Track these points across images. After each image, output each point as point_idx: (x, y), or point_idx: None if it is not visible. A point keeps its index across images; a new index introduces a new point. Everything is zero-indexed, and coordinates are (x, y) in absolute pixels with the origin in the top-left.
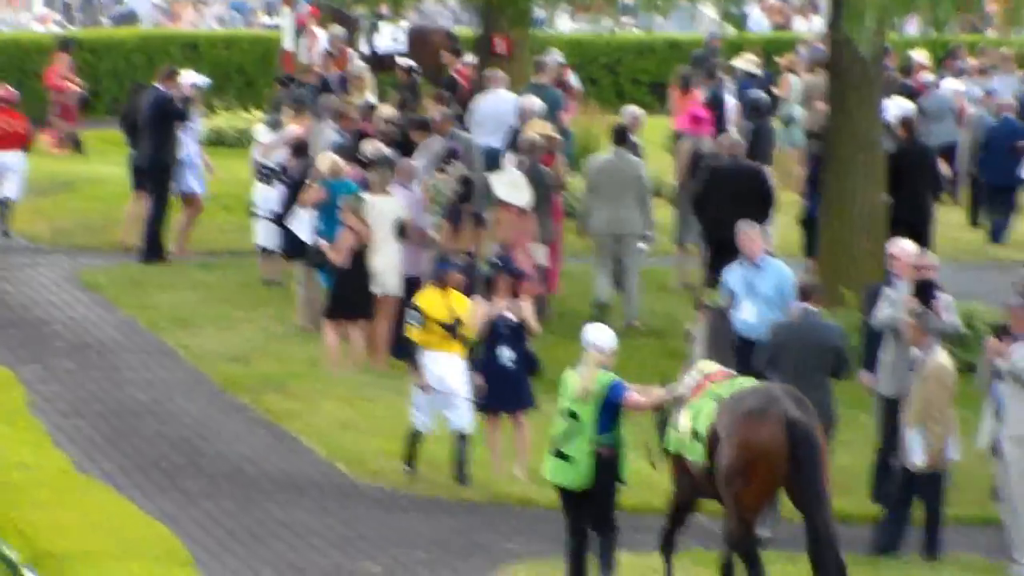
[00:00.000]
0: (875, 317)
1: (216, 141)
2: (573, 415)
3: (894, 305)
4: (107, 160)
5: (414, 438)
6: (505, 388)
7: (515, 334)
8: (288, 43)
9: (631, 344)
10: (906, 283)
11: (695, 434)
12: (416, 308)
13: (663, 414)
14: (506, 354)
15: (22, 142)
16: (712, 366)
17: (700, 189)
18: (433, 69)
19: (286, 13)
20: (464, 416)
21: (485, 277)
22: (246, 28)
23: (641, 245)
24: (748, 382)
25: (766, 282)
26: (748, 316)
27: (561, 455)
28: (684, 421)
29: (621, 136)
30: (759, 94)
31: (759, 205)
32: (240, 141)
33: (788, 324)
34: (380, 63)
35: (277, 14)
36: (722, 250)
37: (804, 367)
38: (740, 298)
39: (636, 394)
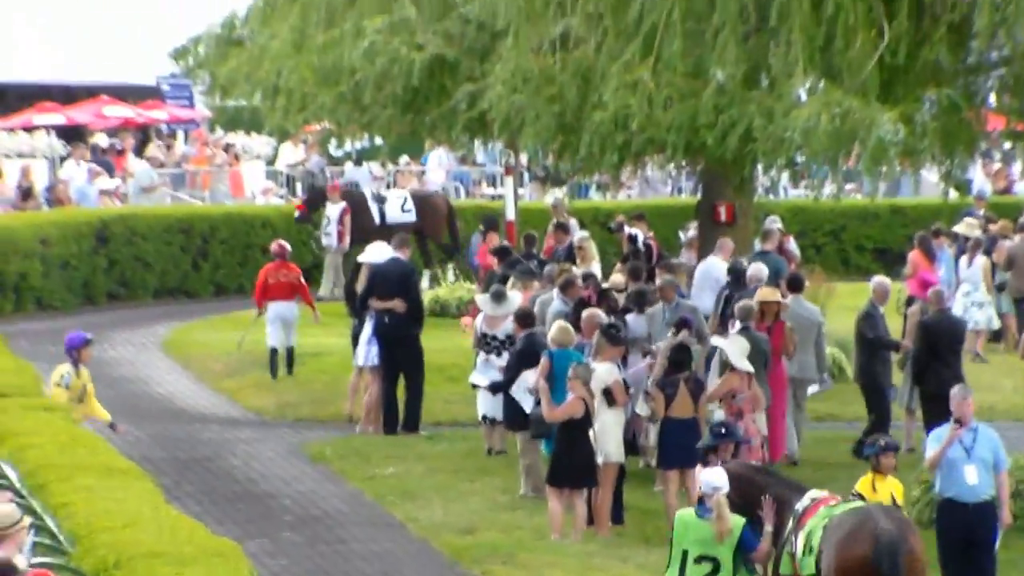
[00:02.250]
0: None
1: (439, 312)
2: (710, 559)
3: None
4: (329, 332)
5: None
6: None
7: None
8: (510, 213)
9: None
10: None
11: (808, 550)
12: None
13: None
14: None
15: (296, 292)
16: (821, 492)
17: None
18: (438, 232)
19: (508, 183)
20: None
21: (708, 445)
22: (468, 199)
23: (813, 387)
24: (856, 503)
25: (983, 446)
26: (971, 479)
27: None
28: (800, 541)
29: (797, 284)
30: None
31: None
32: (464, 312)
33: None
34: (389, 231)
35: (500, 184)
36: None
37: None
38: (959, 463)
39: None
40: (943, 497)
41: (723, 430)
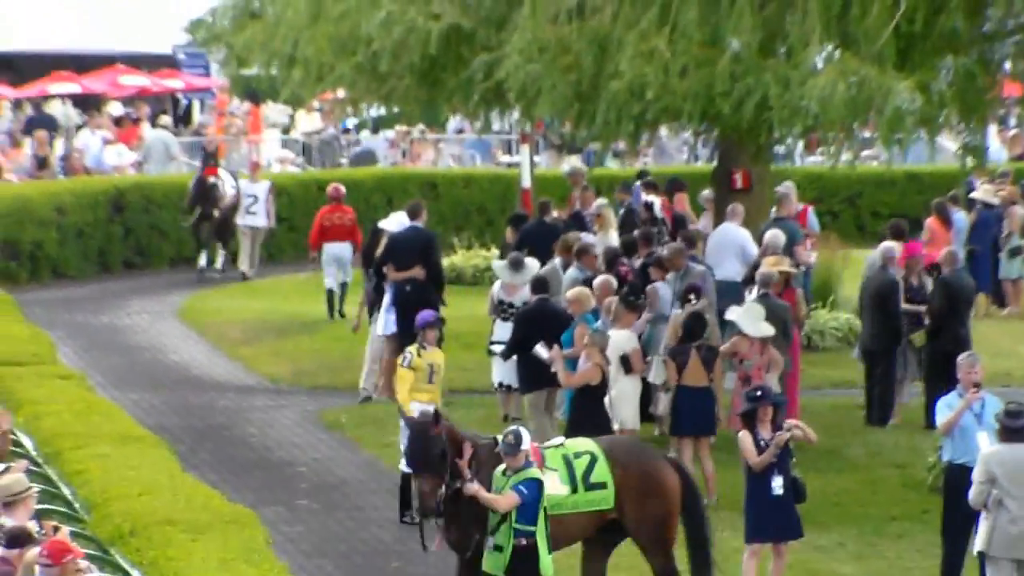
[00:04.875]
0: None
1: (454, 279)
2: None
3: None
4: (347, 300)
5: None
6: (777, 517)
7: (782, 462)
8: (526, 181)
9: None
10: None
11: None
12: None
13: None
14: (777, 482)
15: (351, 235)
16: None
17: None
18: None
19: (524, 151)
20: None
21: (746, 410)
22: (484, 166)
23: None
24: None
25: (990, 414)
26: (984, 446)
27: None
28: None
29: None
30: None
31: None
32: (478, 279)
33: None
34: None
35: (516, 152)
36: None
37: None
38: (971, 430)
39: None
40: (954, 463)
41: (759, 392)
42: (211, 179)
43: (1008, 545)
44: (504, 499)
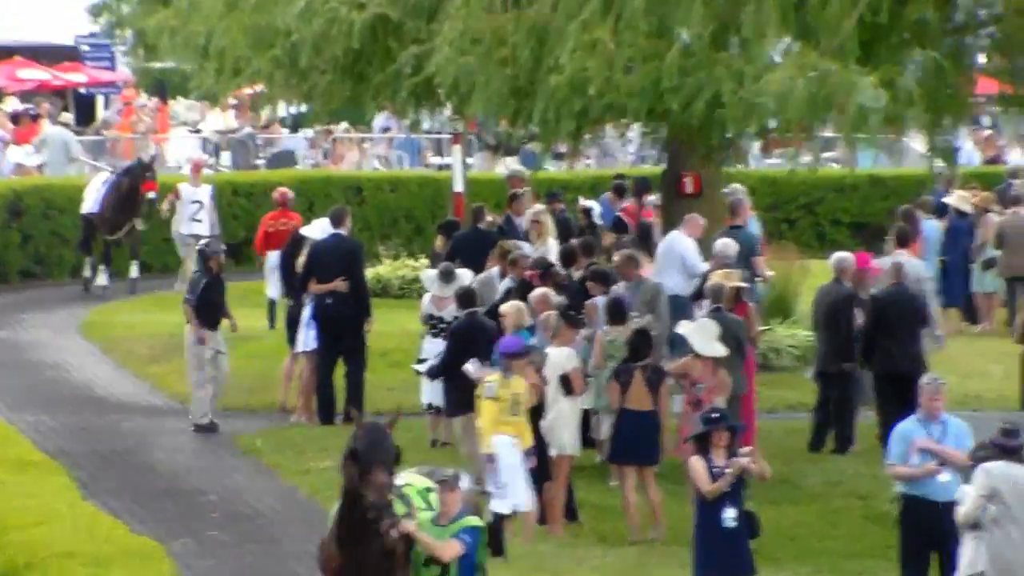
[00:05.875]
0: None
1: (380, 292)
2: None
3: None
4: (261, 313)
5: None
6: (728, 552)
7: (735, 493)
8: (458, 185)
9: None
10: None
11: None
12: None
13: None
14: (729, 514)
15: None
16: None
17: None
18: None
19: (456, 152)
20: None
21: (699, 433)
22: (413, 169)
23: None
24: None
25: (953, 441)
26: (942, 477)
27: None
28: None
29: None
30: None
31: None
32: (406, 291)
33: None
34: None
35: (447, 153)
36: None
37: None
38: (927, 458)
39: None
40: (909, 495)
41: (715, 415)
42: (150, 195)
43: (1007, 573)
44: (448, 547)
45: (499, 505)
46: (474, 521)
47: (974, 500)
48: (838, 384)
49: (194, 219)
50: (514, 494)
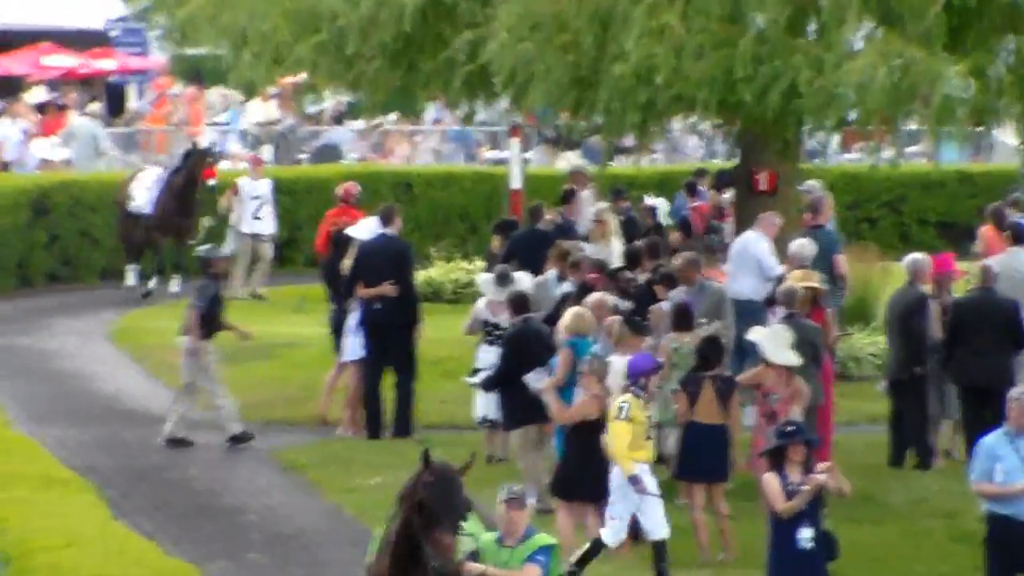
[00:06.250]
0: None
1: (432, 296)
2: None
3: None
4: (309, 320)
5: None
6: (801, 574)
7: (812, 511)
8: (516, 181)
9: None
10: None
11: None
12: None
13: None
14: (805, 534)
15: None
16: None
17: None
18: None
19: (514, 146)
20: None
21: (773, 448)
22: (467, 164)
23: None
24: None
25: None
26: None
27: None
28: None
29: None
30: None
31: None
32: (459, 296)
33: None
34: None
35: (504, 147)
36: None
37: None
38: (1014, 475)
39: None
40: (997, 514)
41: (791, 428)
42: (210, 182)
43: None
44: (526, 574)
45: (609, 536)
46: (546, 540)
47: None
48: (912, 394)
49: (255, 216)
50: (650, 522)
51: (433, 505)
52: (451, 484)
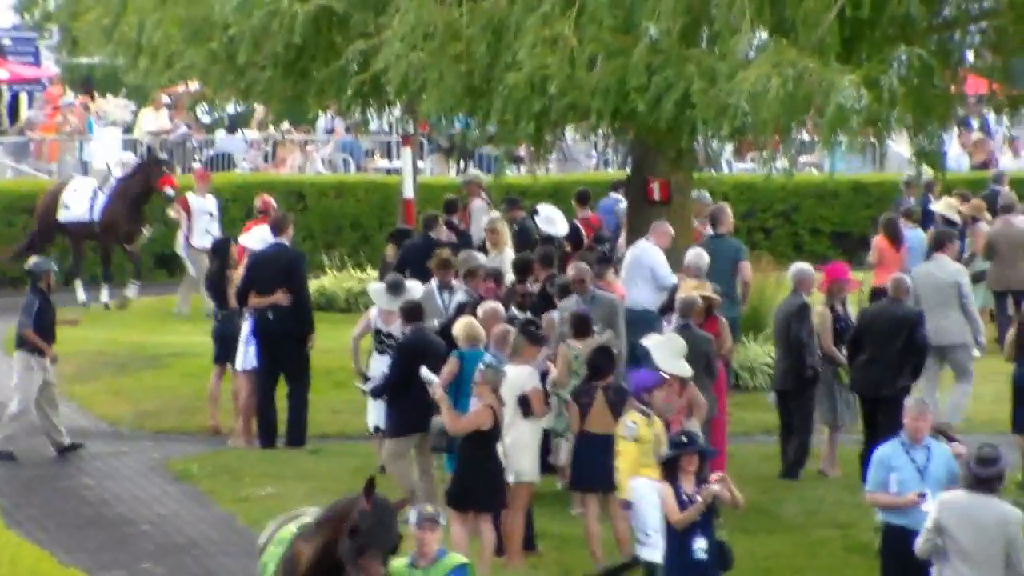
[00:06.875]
0: None
1: (325, 305)
2: None
3: None
4: (197, 328)
5: None
6: None
7: (706, 522)
8: (408, 190)
9: None
10: None
11: None
12: None
13: None
14: (699, 545)
15: None
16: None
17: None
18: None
19: (406, 155)
20: None
21: (669, 457)
22: (359, 173)
23: (976, 352)
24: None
25: (938, 466)
26: (925, 506)
27: None
28: None
29: (939, 244)
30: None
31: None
32: (352, 305)
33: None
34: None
35: (396, 156)
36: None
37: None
38: (909, 485)
39: None
40: (891, 525)
41: (685, 438)
42: (168, 190)
43: None
44: None
45: (648, 553)
46: (459, 559)
47: (923, 533)
48: (796, 403)
49: (207, 231)
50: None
51: (368, 530)
52: (388, 514)
